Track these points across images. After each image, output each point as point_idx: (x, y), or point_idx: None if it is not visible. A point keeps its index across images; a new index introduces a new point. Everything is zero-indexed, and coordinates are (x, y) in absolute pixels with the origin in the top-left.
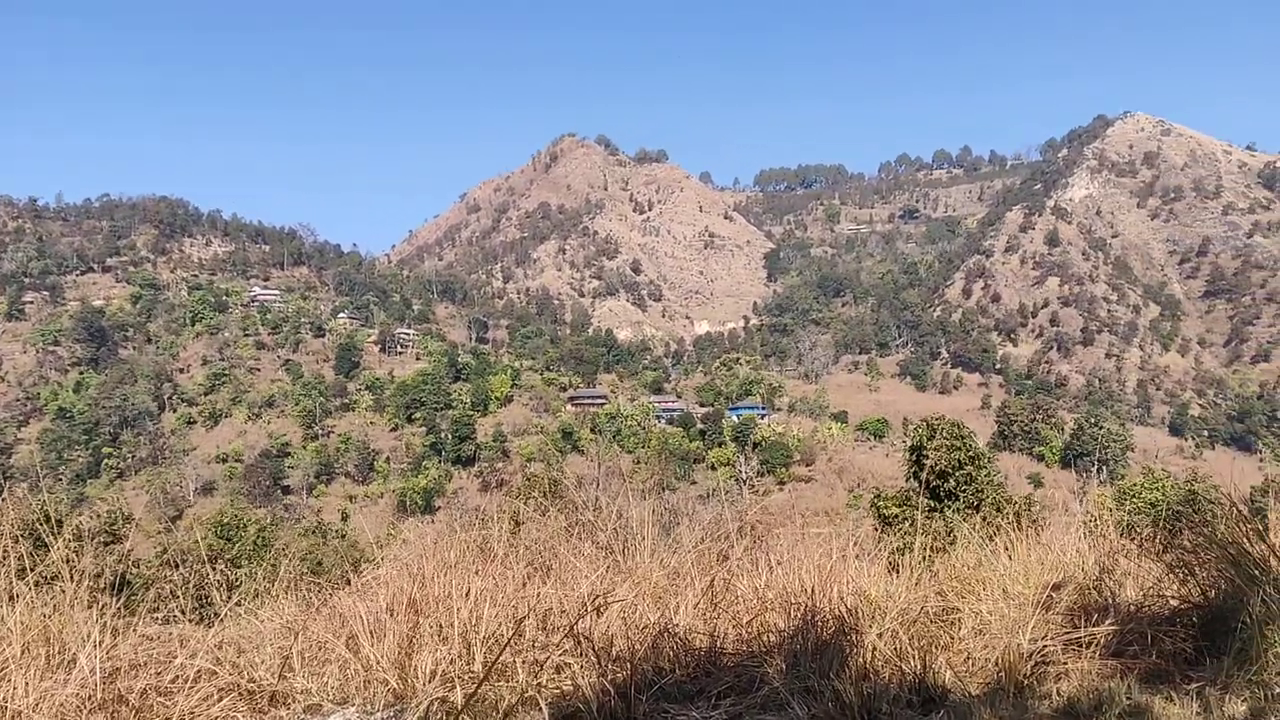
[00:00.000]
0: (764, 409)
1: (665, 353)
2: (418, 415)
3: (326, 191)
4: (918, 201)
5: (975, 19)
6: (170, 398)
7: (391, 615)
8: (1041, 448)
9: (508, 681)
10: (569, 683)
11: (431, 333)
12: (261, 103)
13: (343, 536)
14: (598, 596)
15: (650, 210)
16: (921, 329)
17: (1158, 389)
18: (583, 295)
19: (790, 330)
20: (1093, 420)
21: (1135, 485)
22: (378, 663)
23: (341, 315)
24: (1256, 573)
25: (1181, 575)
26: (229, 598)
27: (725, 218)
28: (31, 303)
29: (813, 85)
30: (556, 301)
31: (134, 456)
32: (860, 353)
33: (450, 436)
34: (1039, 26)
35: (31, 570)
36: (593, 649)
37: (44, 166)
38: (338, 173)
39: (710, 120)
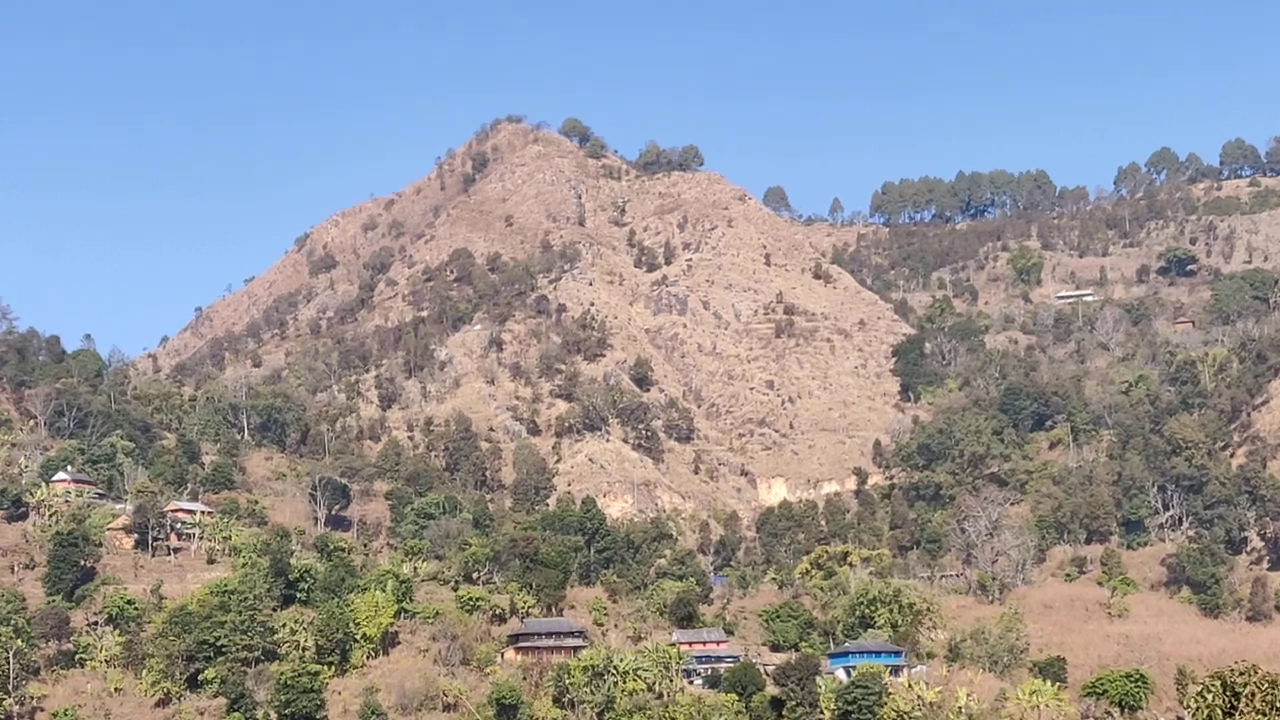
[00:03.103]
0: (899, 655)
1: (702, 544)
2: (210, 673)
3: (33, 248)
4: (1193, 240)
5: None
6: None
7: None
8: None
9: None
10: None
11: (239, 509)
12: None
13: None
14: None
15: (669, 263)
16: (1208, 493)
17: None
18: (537, 430)
19: (948, 495)
20: None
21: None
22: None
23: (61, 475)
24: None
25: None
26: None
27: (816, 275)
28: None
29: (983, 44)
30: (486, 443)
31: None
32: (1088, 540)
33: (275, 715)
34: None
35: None
36: None
37: None
38: (53, 212)
39: (778, 105)
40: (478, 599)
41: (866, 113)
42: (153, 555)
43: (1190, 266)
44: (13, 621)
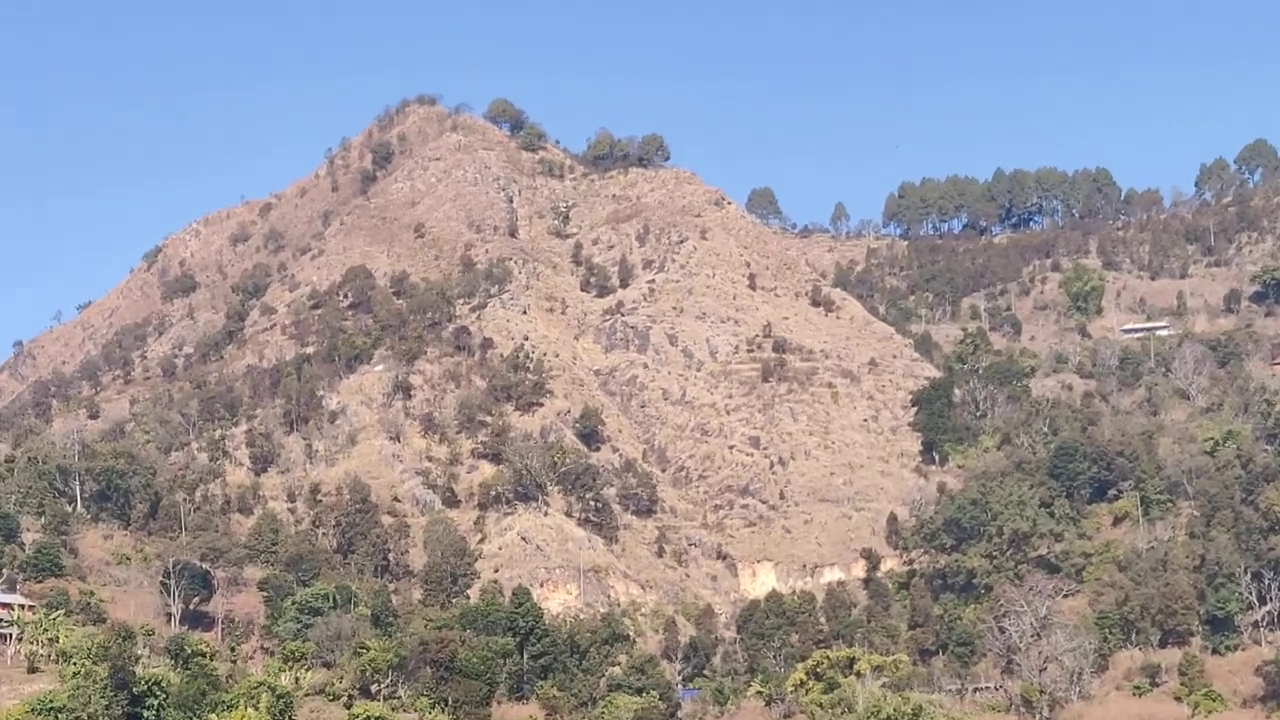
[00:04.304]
0: None
1: (668, 648)
2: None
3: None
4: None
5: None
6: None
7: None
8: None
9: None
10: None
11: (69, 601)
12: None
13: None
14: None
15: (625, 286)
16: None
17: None
18: (455, 501)
19: (983, 585)
20: None
21: None
22: None
23: None
24: None
25: None
26: None
27: (814, 302)
28: None
29: (1025, 17)
30: (390, 517)
31: None
32: (1162, 642)
33: None
34: None
35: None
36: None
37: None
38: None
39: (764, 87)
40: (378, 718)
41: (878, 98)
42: None
43: None
44: None
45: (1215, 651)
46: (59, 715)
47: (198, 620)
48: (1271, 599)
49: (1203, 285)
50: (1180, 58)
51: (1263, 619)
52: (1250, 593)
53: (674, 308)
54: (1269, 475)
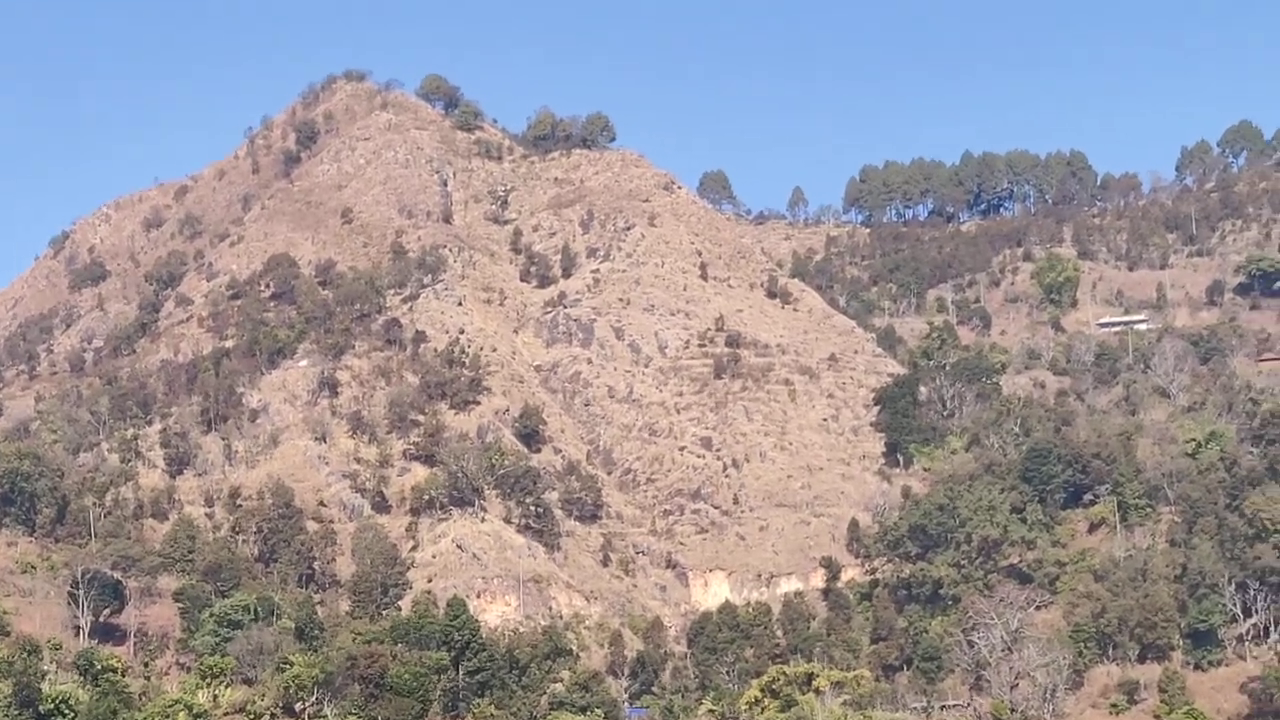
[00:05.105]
0: None
1: (613, 663)
2: None
3: None
4: None
5: None
6: None
7: None
8: None
9: None
10: None
11: None
12: None
13: None
14: None
15: (568, 276)
16: None
17: None
18: (386, 506)
19: (950, 596)
20: None
21: None
22: None
23: None
24: None
25: None
26: None
27: (770, 294)
28: None
29: None
30: (315, 523)
31: None
32: (1141, 656)
33: None
34: None
35: None
36: None
37: None
38: None
39: (716, 64)
40: None
41: (838, 76)
42: None
43: None
44: None
45: (1197, 667)
46: None
47: (108, 633)
48: (1257, 611)
49: (1184, 276)
50: (1160, 35)
51: (1248, 632)
52: (1235, 604)
53: (620, 299)
54: (1254, 479)
